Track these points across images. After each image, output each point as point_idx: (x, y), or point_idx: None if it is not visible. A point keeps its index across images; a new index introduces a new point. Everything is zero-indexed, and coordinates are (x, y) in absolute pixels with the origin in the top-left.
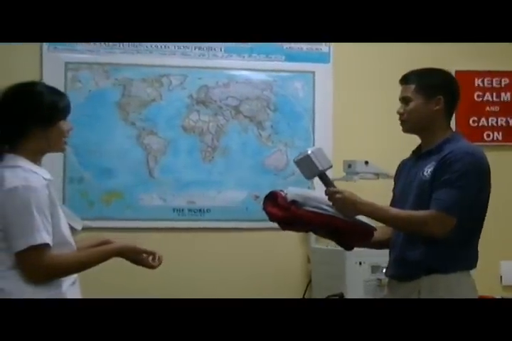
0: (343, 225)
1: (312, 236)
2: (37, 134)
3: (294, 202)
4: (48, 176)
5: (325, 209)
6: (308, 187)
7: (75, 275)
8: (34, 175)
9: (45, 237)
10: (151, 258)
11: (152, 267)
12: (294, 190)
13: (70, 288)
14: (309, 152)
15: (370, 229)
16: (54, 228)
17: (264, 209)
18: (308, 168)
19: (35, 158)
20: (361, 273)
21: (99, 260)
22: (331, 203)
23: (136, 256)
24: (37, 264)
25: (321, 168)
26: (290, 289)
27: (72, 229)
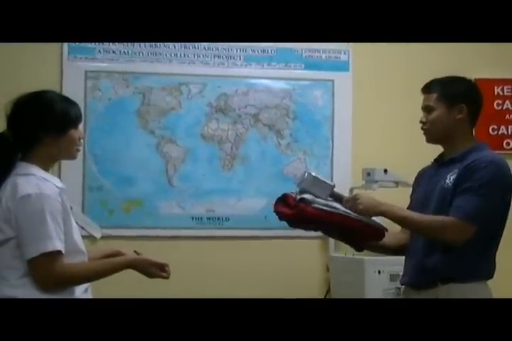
0: (353, 224)
1: (331, 244)
2: (49, 142)
3: (302, 199)
4: (59, 184)
5: (334, 208)
6: None
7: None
8: (47, 183)
9: (57, 245)
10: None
11: (164, 278)
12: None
13: (83, 295)
14: (312, 173)
15: (382, 229)
16: (66, 236)
17: (274, 209)
18: (321, 187)
19: (47, 165)
20: (380, 282)
21: (110, 271)
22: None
23: (148, 269)
24: (48, 272)
25: (332, 184)
26: (309, 297)
27: (91, 237)
